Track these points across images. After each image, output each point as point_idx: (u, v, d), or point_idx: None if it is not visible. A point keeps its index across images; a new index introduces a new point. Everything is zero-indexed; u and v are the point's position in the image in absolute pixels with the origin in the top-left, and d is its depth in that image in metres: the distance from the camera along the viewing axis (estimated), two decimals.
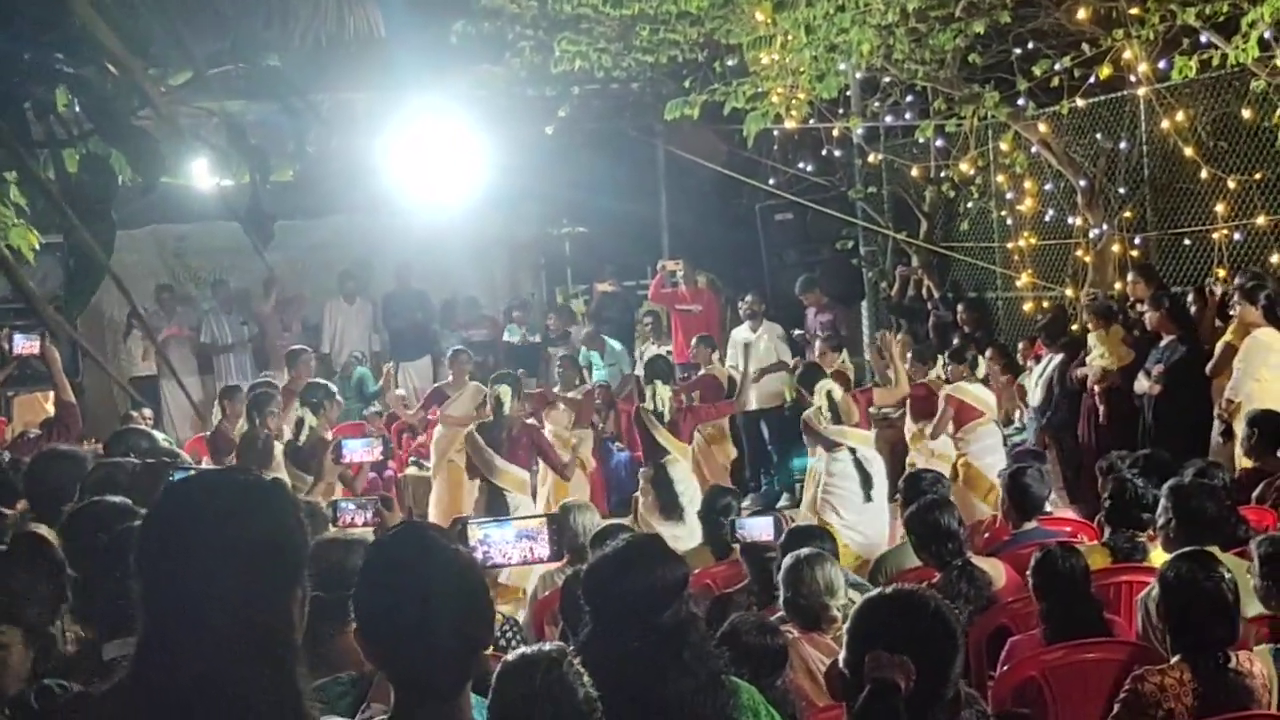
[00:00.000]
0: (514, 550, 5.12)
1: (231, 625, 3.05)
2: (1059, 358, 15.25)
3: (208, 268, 23.22)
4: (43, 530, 4.86)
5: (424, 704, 3.67)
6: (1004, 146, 17.51)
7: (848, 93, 18.66)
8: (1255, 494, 10.69)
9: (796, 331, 19.49)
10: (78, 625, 5.54)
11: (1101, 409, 14.58)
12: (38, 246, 9.28)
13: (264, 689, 3.06)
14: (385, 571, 3.78)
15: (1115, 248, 16.20)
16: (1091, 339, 14.80)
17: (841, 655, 4.29)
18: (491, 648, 6.94)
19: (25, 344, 11.58)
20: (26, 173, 4.79)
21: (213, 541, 3.09)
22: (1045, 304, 17.46)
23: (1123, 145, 16.33)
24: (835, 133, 19.21)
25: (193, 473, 7.14)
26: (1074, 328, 15.70)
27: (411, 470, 17.12)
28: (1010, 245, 18.23)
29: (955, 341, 17.10)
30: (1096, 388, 14.57)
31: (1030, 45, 15.97)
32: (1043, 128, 16.35)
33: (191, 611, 3.05)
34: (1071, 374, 14.90)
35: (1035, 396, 15.45)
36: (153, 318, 21.93)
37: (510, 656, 5.05)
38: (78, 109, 5.06)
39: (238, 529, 3.12)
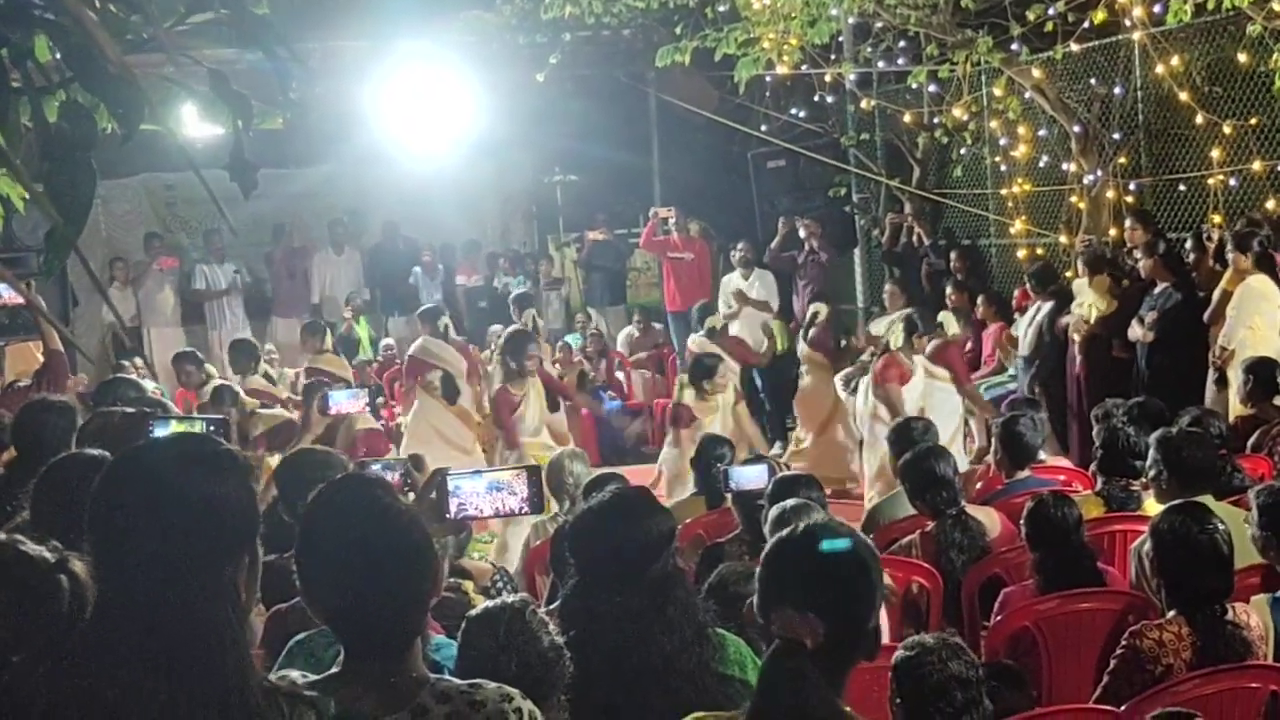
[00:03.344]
0: (485, 502, 5.06)
1: (181, 586, 3.09)
2: (1048, 306, 15.23)
3: (197, 217, 23.21)
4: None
5: (370, 661, 3.64)
6: (997, 92, 17.40)
7: (840, 38, 18.57)
8: (1251, 442, 10.67)
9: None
10: None
11: (1079, 359, 14.59)
12: (28, 196, 9.18)
13: (213, 649, 3.10)
14: (324, 529, 3.73)
15: (1110, 194, 16.12)
16: (1076, 286, 14.78)
17: (755, 599, 4.18)
18: (483, 597, 6.93)
19: (10, 292, 11.52)
20: (3, 121, 4.73)
21: (153, 506, 3.13)
22: (1039, 251, 17.40)
23: (1117, 90, 16.22)
24: (827, 79, 19.10)
25: (172, 424, 7.11)
26: (1068, 274, 15.65)
27: (402, 419, 17.07)
28: (1004, 192, 18.13)
29: (948, 292, 17.08)
30: (1076, 337, 14.56)
31: None
32: (1036, 73, 16.24)
33: (137, 575, 3.09)
34: (1059, 322, 14.89)
35: (1024, 345, 15.44)
36: (137, 266, 21.98)
37: (474, 610, 5.04)
38: (57, 56, 4.99)
39: (186, 492, 3.16)
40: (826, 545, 4.13)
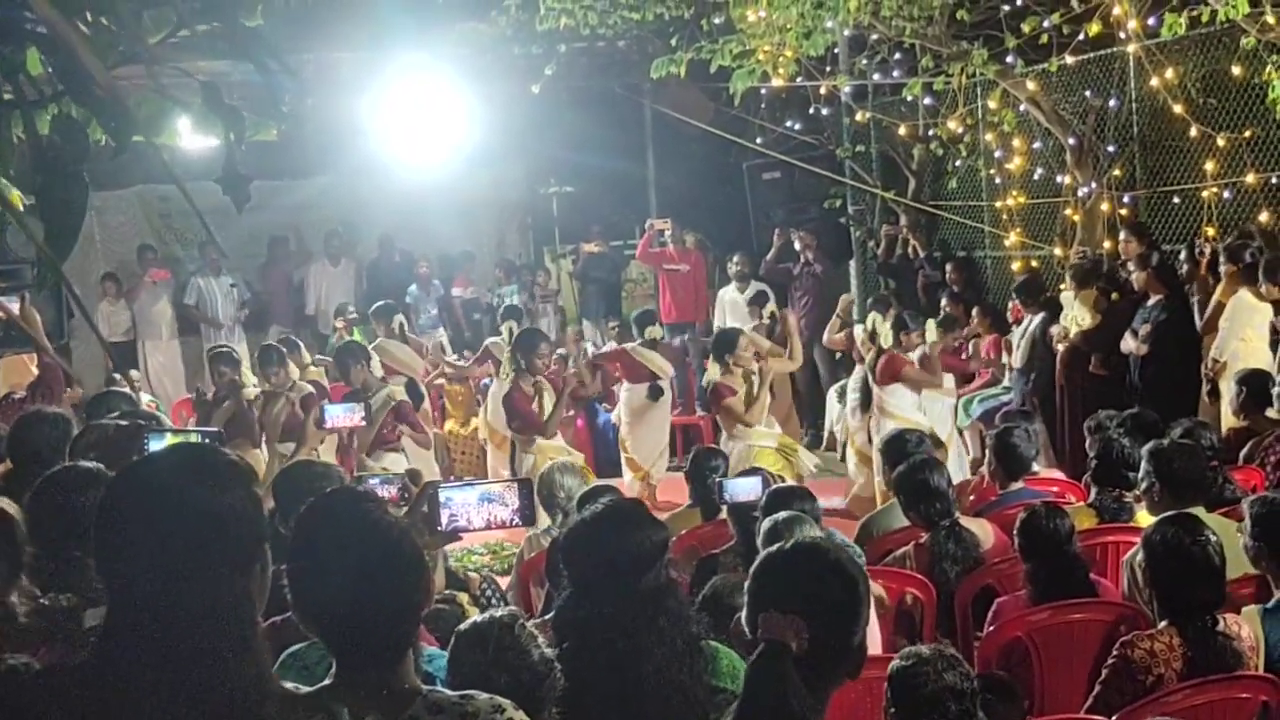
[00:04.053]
0: (476, 514, 5.07)
1: (193, 599, 3.06)
2: (1039, 317, 15.26)
3: (193, 229, 23.19)
4: (4, 503, 4.80)
5: (362, 673, 3.64)
6: (992, 104, 17.42)
7: (835, 50, 18.57)
8: (1243, 453, 10.69)
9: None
10: (52, 593, 5.50)
11: (1058, 370, 14.63)
12: (22, 207, 9.16)
13: (228, 661, 3.07)
14: (314, 542, 3.73)
15: (1104, 206, 16.14)
16: (1065, 299, 14.80)
17: (744, 611, 4.21)
18: (477, 609, 6.93)
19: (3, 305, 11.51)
20: None
21: (170, 516, 3.10)
22: (1034, 263, 17.43)
23: (1112, 103, 16.22)
24: (823, 91, 19.09)
25: (167, 436, 7.11)
26: (1061, 287, 15.68)
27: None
28: (998, 204, 18.17)
29: (944, 304, 17.08)
30: (1059, 349, 14.59)
31: (1019, 2, 15.85)
32: (1031, 85, 16.26)
33: (147, 589, 3.06)
34: (1049, 332, 14.92)
35: (1018, 357, 15.46)
36: (132, 279, 21.97)
37: (464, 625, 5.05)
38: (50, 70, 5.00)
39: (195, 504, 3.12)
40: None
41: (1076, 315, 14.40)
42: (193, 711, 3.02)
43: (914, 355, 14.25)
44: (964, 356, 16.49)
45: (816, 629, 3.90)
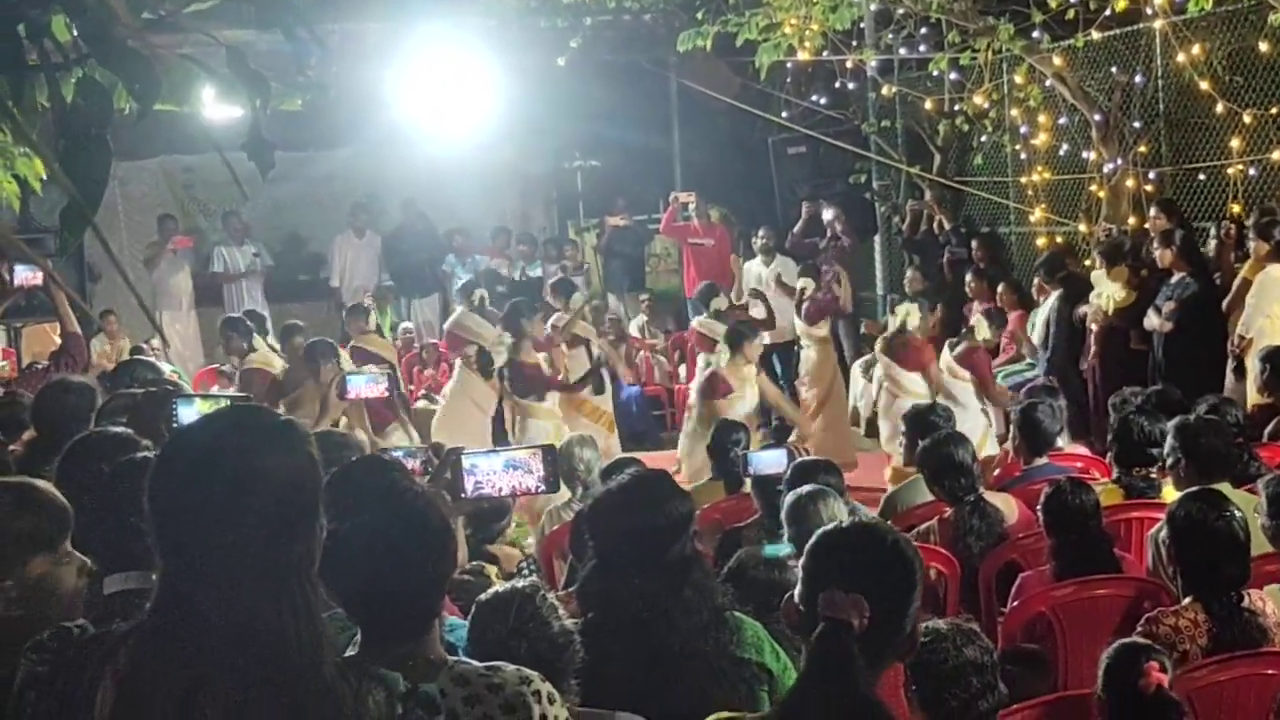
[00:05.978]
0: (502, 480, 5.05)
1: (252, 563, 3.00)
2: (1056, 295, 15.22)
3: (216, 199, 23.13)
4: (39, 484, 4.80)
5: (388, 643, 3.61)
6: (1018, 80, 17.40)
7: (861, 24, 18.54)
8: (1268, 430, 10.65)
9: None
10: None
11: (1093, 349, 14.57)
12: (45, 176, 9.18)
13: (287, 626, 3.01)
14: (340, 512, 3.68)
15: (1129, 183, 16.10)
16: (1095, 277, 14.75)
17: (797, 590, 4.19)
18: (503, 582, 6.93)
19: (27, 275, 11.54)
20: (19, 99, 4.73)
21: (228, 479, 3.03)
22: (1059, 239, 17.38)
23: (1138, 79, 16.19)
24: (849, 65, 19.07)
25: (196, 402, 7.10)
26: (1086, 263, 15.64)
27: (422, 404, 17.04)
28: (1024, 180, 18.13)
29: (968, 280, 17.07)
30: (1094, 327, 14.54)
31: None
32: (1058, 61, 16.22)
33: (210, 550, 2.99)
34: (1076, 312, 14.87)
35: (1035, 334, 15.45)
36: (153, 247, 21.84)
37: (484, 595, 5.03)
38: (75, 34, 4.99)
39: (253, 466, 3.05)
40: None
41: (1111, 293, 14.33)
42: (254, 675, 2.97)
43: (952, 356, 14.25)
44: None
45: (873, 610, 3.88)
